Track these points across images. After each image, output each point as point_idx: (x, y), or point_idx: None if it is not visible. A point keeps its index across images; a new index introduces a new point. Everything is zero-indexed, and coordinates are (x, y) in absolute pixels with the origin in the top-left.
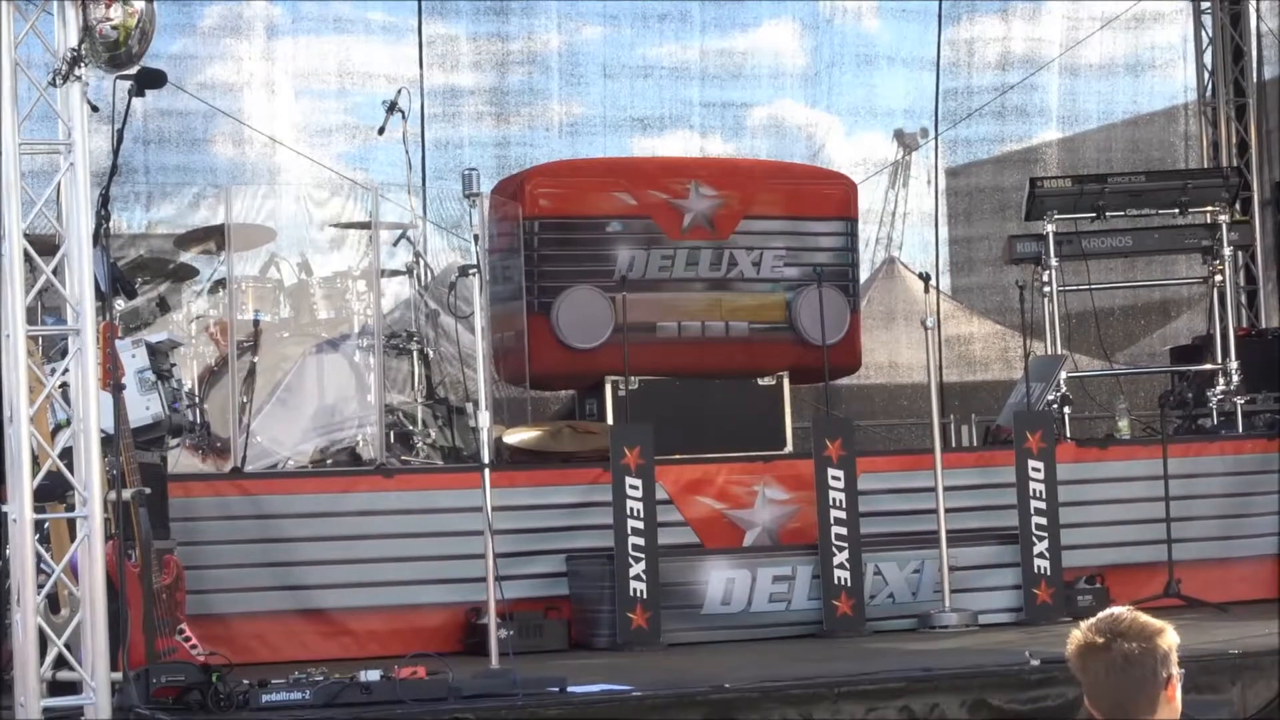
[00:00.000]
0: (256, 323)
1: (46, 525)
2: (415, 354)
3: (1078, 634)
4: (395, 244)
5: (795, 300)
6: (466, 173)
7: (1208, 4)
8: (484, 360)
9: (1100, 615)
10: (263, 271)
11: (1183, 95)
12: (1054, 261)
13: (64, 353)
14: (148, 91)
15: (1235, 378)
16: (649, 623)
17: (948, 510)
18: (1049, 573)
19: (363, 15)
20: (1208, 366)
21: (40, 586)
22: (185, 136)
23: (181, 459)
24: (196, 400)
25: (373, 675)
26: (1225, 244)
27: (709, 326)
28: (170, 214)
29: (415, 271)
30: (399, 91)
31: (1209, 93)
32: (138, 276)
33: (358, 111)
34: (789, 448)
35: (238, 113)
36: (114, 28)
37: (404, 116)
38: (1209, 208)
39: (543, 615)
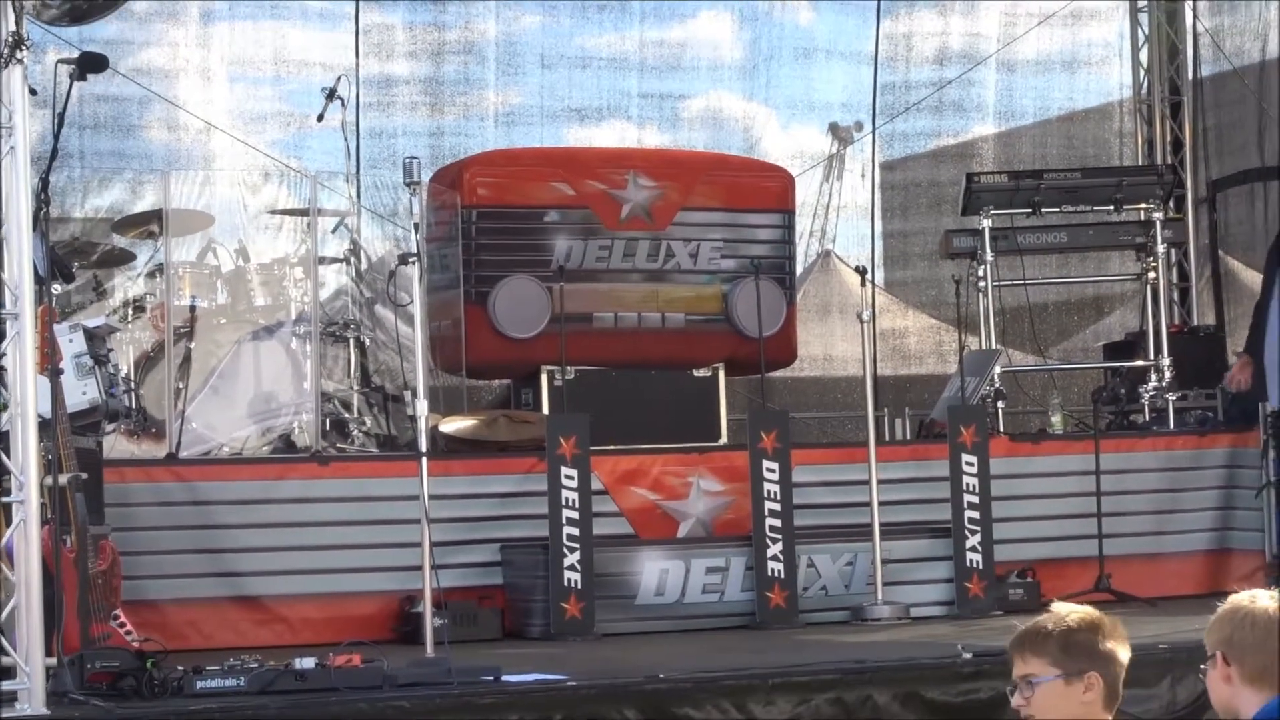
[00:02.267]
0: (193, 308)
1: None
2: (351, 342)
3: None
4: (333, 231)
5: (732, 292)
6: (408, 161)
7: (1144, 2)
8: (421, 349)
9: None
10: (200, 257)
11: (1118, 92)
12: (989, 256)
13: (1, 336)
14: (88, 76)
15: (1167, 374)
16: (583, 613)
17: (881, 503)
18: (981, 566)
19: (299, 2)
20: (1140, 363)
21: None
22: (120, 122)
23: (117, 444)
24: (133, 386)
25: (308, 663)
26: (1159, 241)
27: (645, 317)
28: (107, 199)
29: (352, 260)
30: (338, 79)
31: (1144, 90)
32: (74, 261)
33: (292, 99)
34: (724, 439)
35: (173, 98)
36: None
37: (343, 104)
38: (1143, 205)
39: (477, 604)
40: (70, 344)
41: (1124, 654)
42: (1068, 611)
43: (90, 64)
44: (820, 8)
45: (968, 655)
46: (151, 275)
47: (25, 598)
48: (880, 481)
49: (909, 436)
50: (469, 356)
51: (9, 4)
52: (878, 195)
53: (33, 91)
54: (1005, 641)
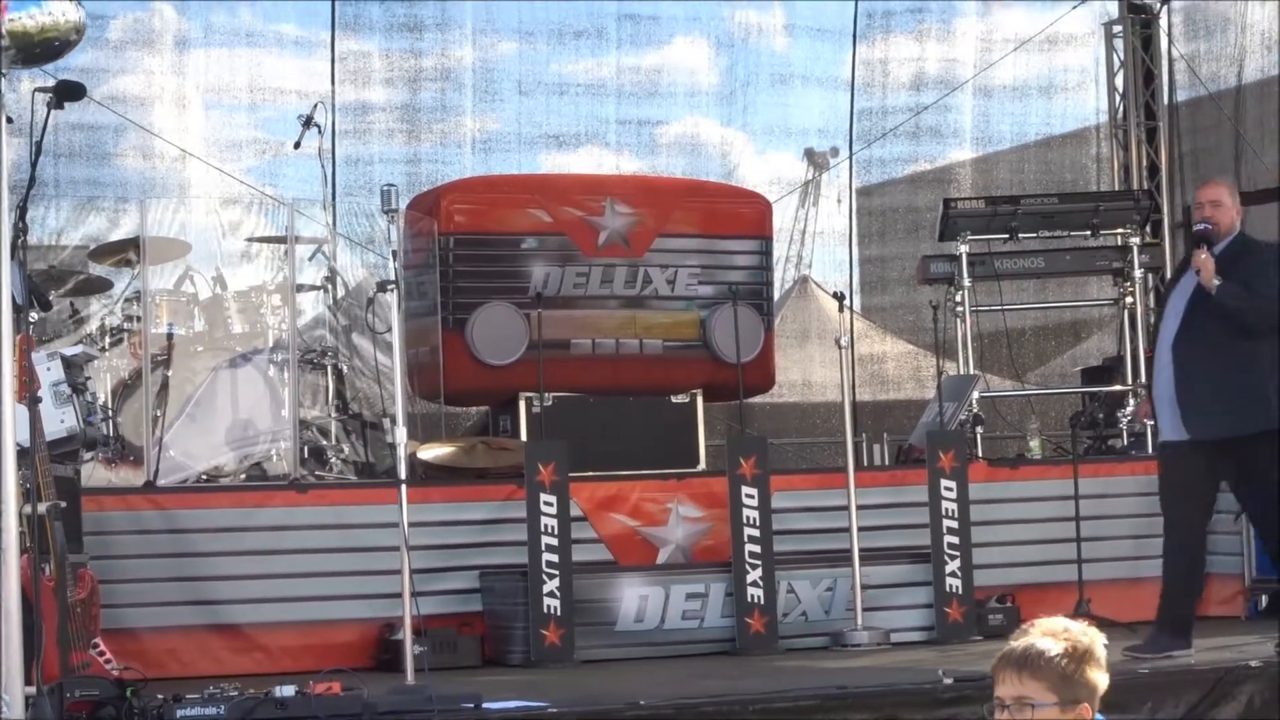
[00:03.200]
0: (170, 336)
1: None
2: (329, 369)
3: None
4: (310, 259)
5: (709, 318)
6: (386, 189)
7: (1119, 27)
8: (400, 376)
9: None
10: (177, 285)
11: (1094, 117)
12: (966, 282)
13: None
14: (65, 105)
15: (1145, 398)
16: (563, 639)
17: (860, 529)
18: (960, 591)
19: (275, 29)
20: (1118, 387)
21: None
22: (95, 150)
23: (95, 472)
24: (110, 414)
25: (287, 691)
26: (1136, 266)
27: (623, 344)
28: (83, 227)
29: (329, 287)
30: (315, 106)
31: (1120, 115)
32: (51, 289)
33: (268, 126)
34: (703, 465)
35: (148, 126)
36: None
37: (320, 131)
38: (1120, 230)
39: (456, 631)
40: (48, 372)
41: (1106, 680)
42: (1065, 634)
43: (68, 92)
44: (796, 34)
45: (948, 680)
46: (129, 303)
47: (4, 626)
48: (859, 507)
49: (888, 462)
50: (447, 383)
51: None
52: (855, 221)
53: (8, 120)
54: (991, 661)
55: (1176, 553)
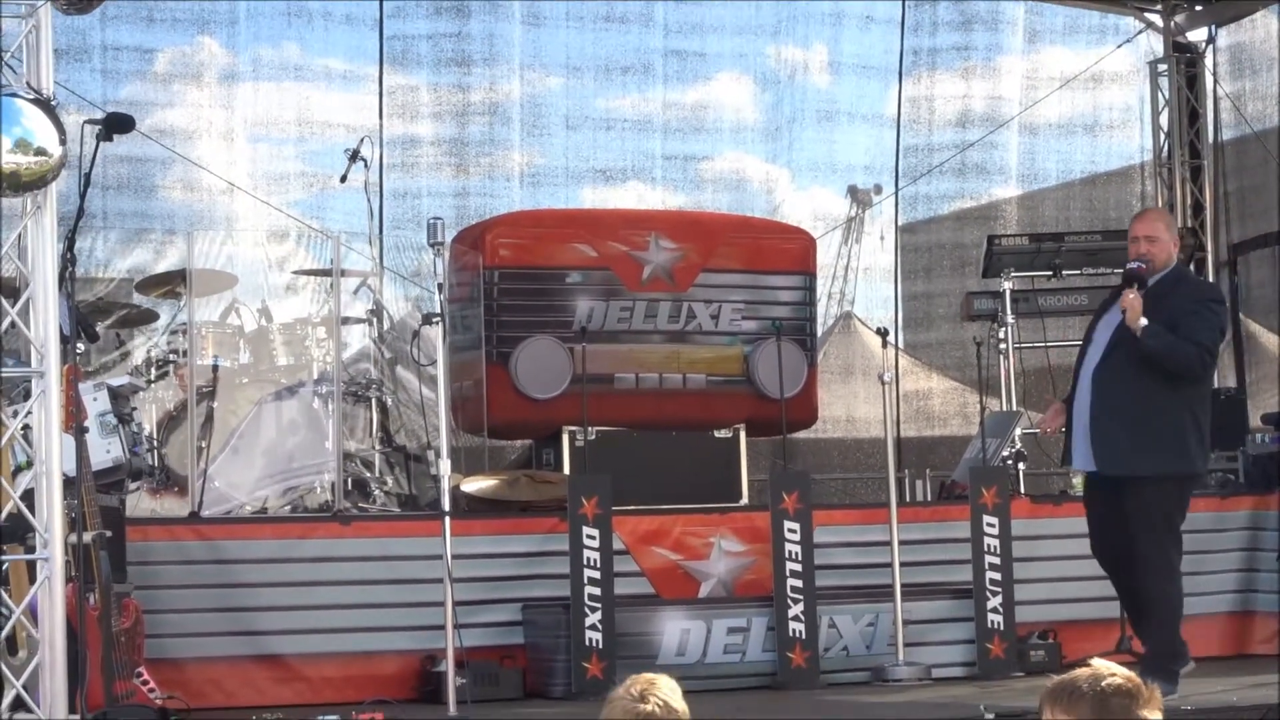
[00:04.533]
0: (215, 368)
1: (6, 567)
2: (373, 401)
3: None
4: (356, 292)
5: (753, 353)
6: (432, 222)
7: (1164, 66)
8: (445, 409)
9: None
10: (223, 317)
11: (1139, 155)
12: (1010, 319)
13: (25, 394)
14: (114, 137)
15: (1201, 439)
16: (604, 672)
17: (903, 564)
18: (1002, 627)
19: (322, 64)
20: None
21: None
22: (142, 183)
23: (140, 502)
24: (156, 444)
25: None
26: None
27: (667, 378)
28: (129, 259)
29: (374, 320)
30: (362, 140)
31: (1165, 154)
32: (97, 320)
33: (315, 159)
34: (745, 500)
35: (195, 159)
36: None
37: (366, 165)
38: None
39: (498, 664)
40: (95, 402)
41: None
42: (1108, 673)
43: (116, 125)
44: (841, 71)
45: (990, 716)
46: (174, 335)
47: (49, 655)
48: (902, 542)
49: (930, 497)
50: (491, 416)
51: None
52: (899, 257)
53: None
54: (1035, 697)
55: (1122, 590)
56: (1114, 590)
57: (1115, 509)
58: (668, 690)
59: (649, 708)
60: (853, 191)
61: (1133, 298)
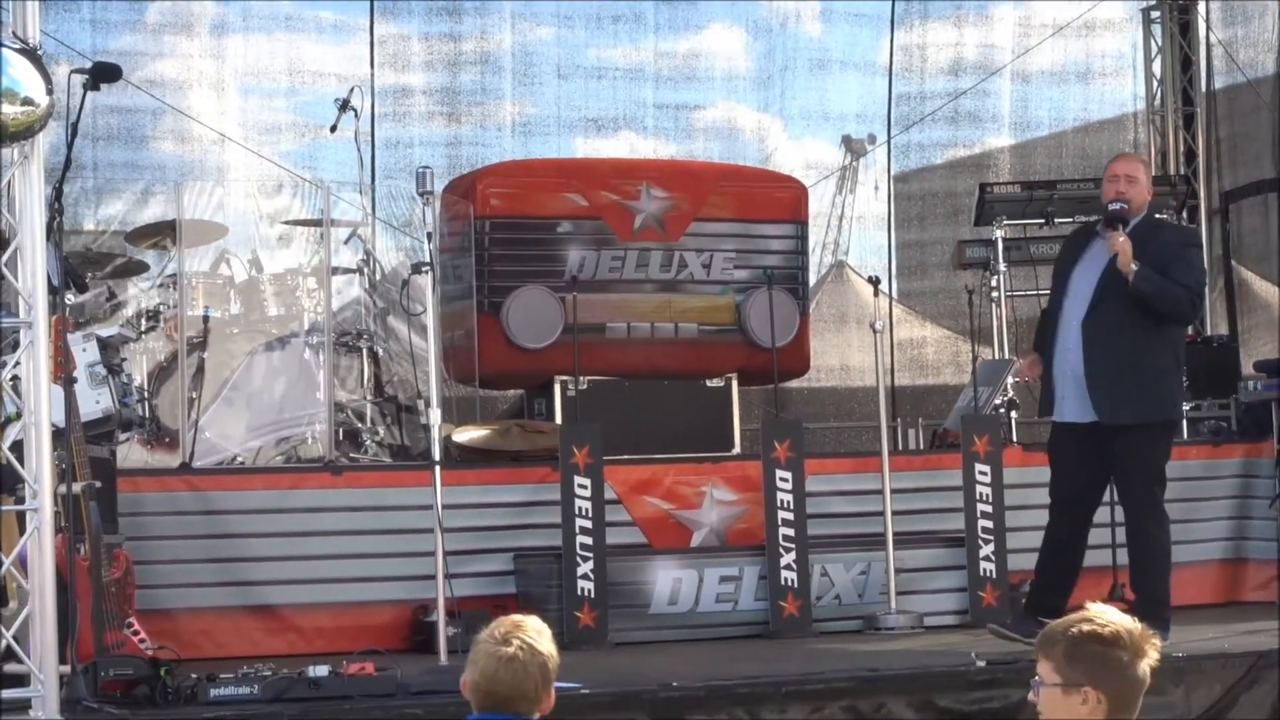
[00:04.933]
0: (206, 319)
1: None
2: (364, 352)
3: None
4: (346, 242)
5: (745, 302)
6: (421, 170)
7: (1157, 13)
8: (434, 358)
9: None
10: (213, 268)
11: (1132, 104)
12: (1002, 267)
13: (14, 345)
14: (101, 86)
15: (1182, 384)
16: (596, 622)
17: (895, 513)
18: (995, 575)
19: (313, 14)
20: None
21: None
22: (133, 133)
23: (132, 454)
24: (146, 395)
25: (321, 671)
26: None
27: (658, 328)
28: (120, 209)
29: (365, 270)
30: (352, 90)
31: (1157, 101)
32: (87, 271)
33: (306, 110)
34: (737, 449)
35: (185, 109)
36: None
37: (356, 115)
38: (1157, 215)
39: (490, 613)
40: (84, 353)
41: (1142, 669)
42: (1088, 619)
43: (103, 74)
44: (833, 19)
45: (981, 664)
46: (164, 286)
47: (39, 606)
48: (894, 491)
49: (923, 446)
50: (482, 366)
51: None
52: (893, 206)
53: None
54: (1021, 650)
55: (1064, 542)
56: (1107, 538)
57: (1088, 457)
58: (533, 633)
59: (511, 650)
60: (847, 141)
61: (1123, 240)
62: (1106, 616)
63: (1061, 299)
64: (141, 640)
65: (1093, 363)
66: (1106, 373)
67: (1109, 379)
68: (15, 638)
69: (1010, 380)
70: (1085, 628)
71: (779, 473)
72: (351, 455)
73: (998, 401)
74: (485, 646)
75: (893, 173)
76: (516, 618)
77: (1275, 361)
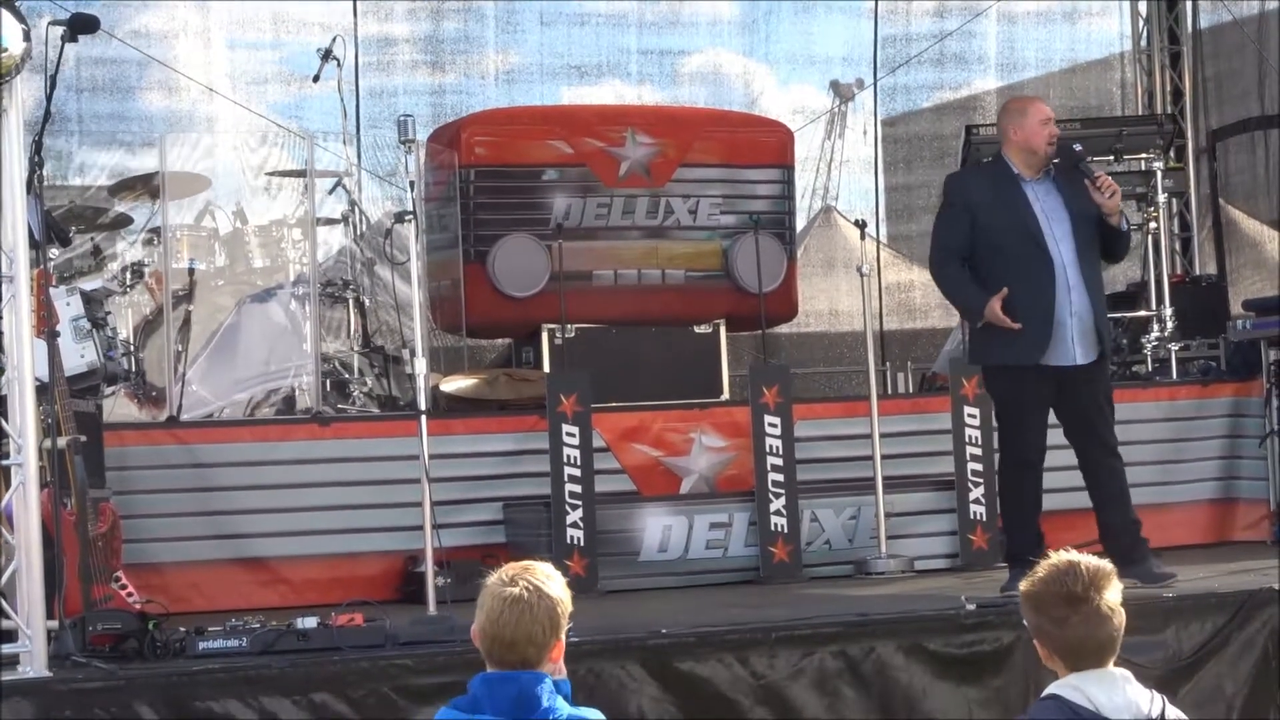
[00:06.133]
0: (191, 271)
1: None
2: (351, 302)
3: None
4: (331, 192)
5: (732, 248)
6: (402, 119)
7: None
8: (420, 308)
9: (1061, 564)
10: (198, 220)
11: (1119, 43)
12: None
13: None
14: (79, 38)
15: (1170, 324)
16: (586, 570)
17: (884, 457)
18: (984, 519)
19: None
20: (1142, 313)
21: None
22: (118, 85)
23: (118, 407)
24: (132, 349)
25: (310, 623)
26: (1160, 191)
27: (645, 274)
28: (105, 162)
29: (350, 220)
30: (334, 39)
31: (1144, 41)
32: (71, 225)
33: (292, 61)
34: (726, 395)
35: (171, 61)
36: None
37: (339, 65)
38: (1143, 155)
39: (480, 563)
40: (68, 307)
41: (1073, 615)
42: (1046, 569)
43: (81, 25)
44: None
45: (971, 607)
46: (149, 240)
47: (25, 561)
48: (883, 435)
49: (911, 390)
50: (469, 316)
51: None
52: (880, 149)
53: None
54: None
55: (1035, 481)
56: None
57: (1047, 403)
58: (542, 576)
59: (517, 590)
60: (835, 86)
61: (1112, 182)
62: (1063, 560)
63: (1018, 242)
64: (129, 594)
65: (1096, 301)
66: (1104, 310)
67: (1102, 320)
68: (2, 593)
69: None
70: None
71: (768, 418)
72: (339, 406)
73: None
74: (492, 589)
75: (880, 116)
76: (526, 562)
77: (1264, 300)
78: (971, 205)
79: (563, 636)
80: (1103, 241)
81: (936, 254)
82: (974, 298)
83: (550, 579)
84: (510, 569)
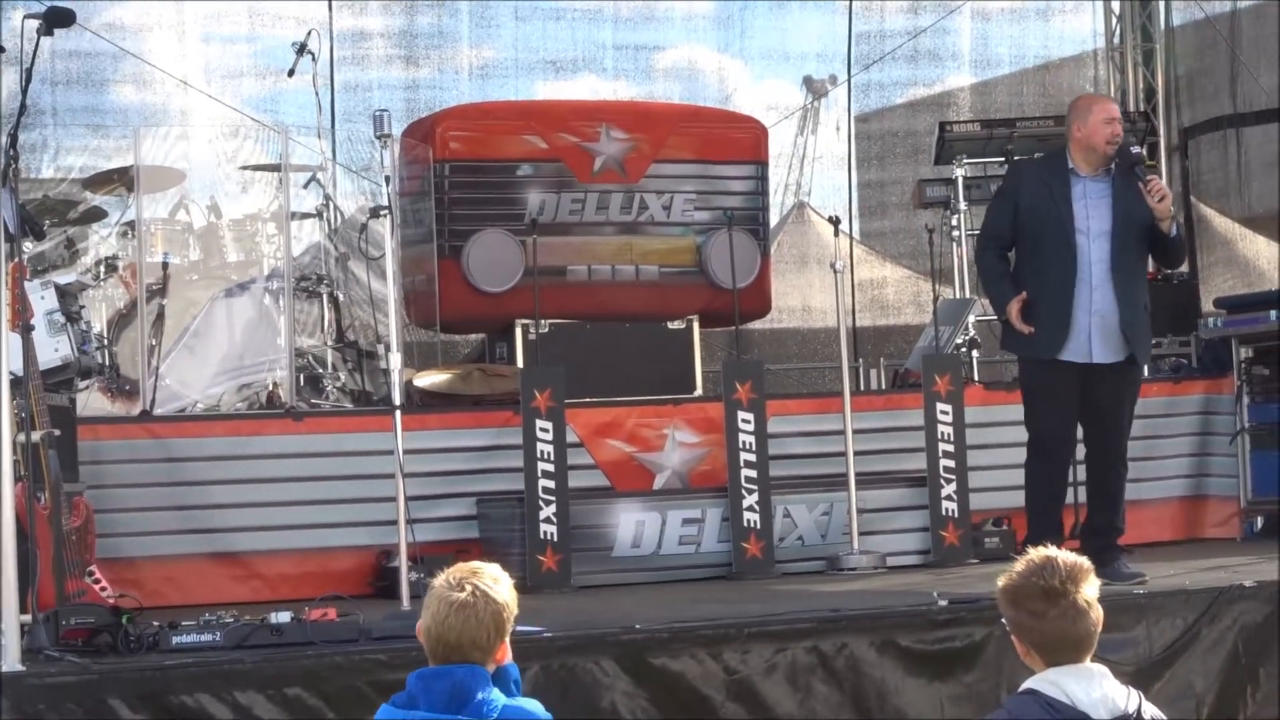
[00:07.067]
0: (165, 265)
1: None
2: (325, 297)
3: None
4: (305, 186)
5: (705, 244)
6: (378, 114)
7: None
8: (395, 303)
9: (1038, 559)
10: (172, 214)
11: (1092, 41)
12: (962, 205)
13: None
14: (55, 31)
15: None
16: (559, 565)
17: (857, 453)
18: (957, 515)
19: None
20: None
21: None
22: (92, 78)
23: (92, 401)
24: (105, 343)
25: (283, 617)
26: None
27: (619, 270)
28: (78, 156)
29: (325, 214)
30: (309, 33)
31: (1117, 38)
32: (45, 218)
33: (267, 55)
34: (699, 391)
35: (146, 54)
36: None
37: (314, 58)
38: None
39: (453, 558)
40: (42, 301)
41: (1052, 609)
42: (1016, 570)
43: (57, 19)
44: None
45: (943, 603)
46: (123, 233)
47: None
48: (856, 431)
49: (884, 386)
50: (443, 311)
51: None
52: (853, 146)
53: (0, 49)
54: (990, 584)
55: (1055, 472)
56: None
57: (1074, 397)
58: (489, 580)
59: (464, 595)
60: (808, 82)
61: (1164, 185)
62: (1038, 557)
63: (1067, 239)
64: (103, 588)
65: (1125, 303)
66: (1137, 313)
67: (1140, 320)
68: None
69: (972, 319)
70: (1014, 572)
71: (741, 414)
72: (313, 401)
73: (959, 341)
74: (438, 591)
75: (853, 113)
76: (474, 564)
77: (1235, 298)
78: (1019, 194)
79: (507, 639)
80: (1155, 247)
81: (980, 239)
82: (1000, 294)
83: (498, 582)
84: (458, 571)
